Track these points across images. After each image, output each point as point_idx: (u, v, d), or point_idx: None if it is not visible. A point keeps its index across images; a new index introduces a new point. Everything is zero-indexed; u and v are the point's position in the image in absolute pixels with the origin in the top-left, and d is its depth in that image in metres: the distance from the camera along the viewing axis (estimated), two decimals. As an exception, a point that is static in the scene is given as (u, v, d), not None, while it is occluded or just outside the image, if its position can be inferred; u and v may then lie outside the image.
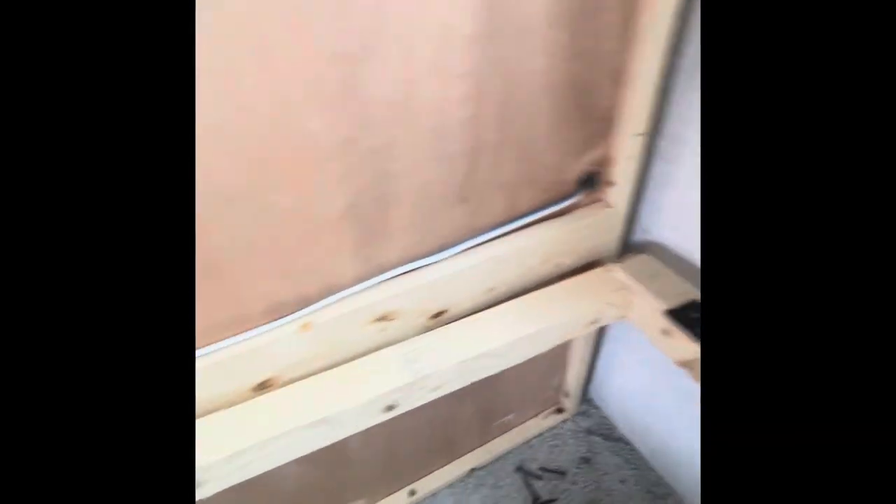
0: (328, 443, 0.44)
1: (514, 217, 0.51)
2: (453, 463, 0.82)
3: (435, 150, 0.41)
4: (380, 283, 0.47)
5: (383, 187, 0.41)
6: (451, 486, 0.82)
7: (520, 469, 0.83)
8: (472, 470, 0.83)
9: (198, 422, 0.43)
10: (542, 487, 0.80)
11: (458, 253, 0.49)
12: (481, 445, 0.84)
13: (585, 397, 0.92)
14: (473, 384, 0.71)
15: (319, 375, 0.46)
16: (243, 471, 0.42)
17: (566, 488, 0.79)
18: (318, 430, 0.43)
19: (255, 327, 0.43)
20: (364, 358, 0.47)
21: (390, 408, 0.46)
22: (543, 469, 0.82)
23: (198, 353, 0.42)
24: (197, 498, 0.42)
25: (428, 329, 0.51)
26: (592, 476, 0.81)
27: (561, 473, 0.81)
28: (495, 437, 0.86)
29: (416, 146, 0.40)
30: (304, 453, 0.44)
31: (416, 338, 0.49)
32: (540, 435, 0.87)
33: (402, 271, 0.47)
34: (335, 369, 0.46)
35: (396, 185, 0.42)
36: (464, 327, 0.50)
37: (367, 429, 0.65)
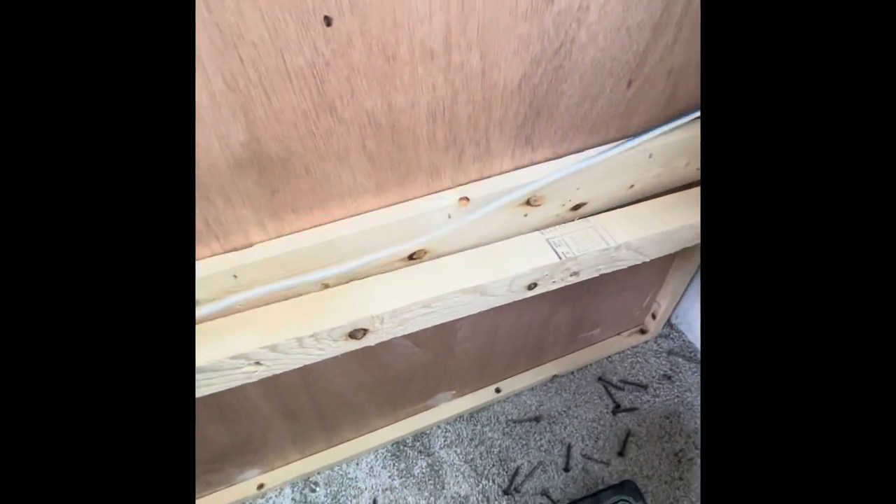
0: (476, 311, 0.47)
1: (670, 111, 0.49)
2: (537, 368, 0.87)
3: (623, 19, 0.39)
4: (533, 165, 0.47)
5: (561, 58, 0.40)
6: (532, 388, 0.87)
7: (601, 380, 0.86)
8: (555, 377, 0.87)
9: (359, 282, 0.47)
10: (623, 397, 0.84)
11: (611, 142, 0.49)
12: (564, 355, 0.88)
13: (669, 321, 0.93)
14: (575, 294, 0.73)
15: (468, 251, 0.48)
16: (403, 325, 0.45)
17: (647, 400, 0.83)
18: (470, 297, 0.46)
19: (418, 197, 0.45)
20: (511, 239, 0.49)
21: (532, 286, 0.48)
22: (624, 382, 0.86)
23: (364, 216, 0.45)
24: (360, 346, 0.46)
25: (566, 220, 0.52)
26: (674, 391, 0.83)
27: (642, 386, 0.85)
28: (578, 349, 0.89)
29: (608, 12, 0.38)
30: (455, 318, 0.47)
31: (560, 225, 0.50)
32: (621, 352, 0.90)
33: (555, 155, 0.47)
34: (484, 247, 0.48)
35: (574, 58, 0.41)
36: (603, 220, 0.51)
37: (475, 323, 0.69)
